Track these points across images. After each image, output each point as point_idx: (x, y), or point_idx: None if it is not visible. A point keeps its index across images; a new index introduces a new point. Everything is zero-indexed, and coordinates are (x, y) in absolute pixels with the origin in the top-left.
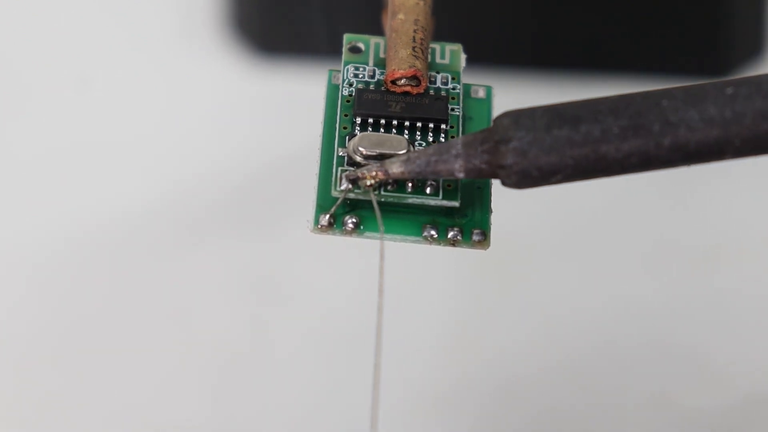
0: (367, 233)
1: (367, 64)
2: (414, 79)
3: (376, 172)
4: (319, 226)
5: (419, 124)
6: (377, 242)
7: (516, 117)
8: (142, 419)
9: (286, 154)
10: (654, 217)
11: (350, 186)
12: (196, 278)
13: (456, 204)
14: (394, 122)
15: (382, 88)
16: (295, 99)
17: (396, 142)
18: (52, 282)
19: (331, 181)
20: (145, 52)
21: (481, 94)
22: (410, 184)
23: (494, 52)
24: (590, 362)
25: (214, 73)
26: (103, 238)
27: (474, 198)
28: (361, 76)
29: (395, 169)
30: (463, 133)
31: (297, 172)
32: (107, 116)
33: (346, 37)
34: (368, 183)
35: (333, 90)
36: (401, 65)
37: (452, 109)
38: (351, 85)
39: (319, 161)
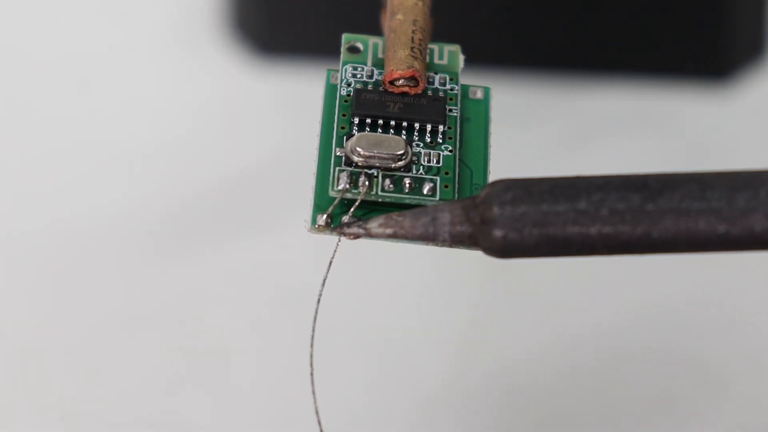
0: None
1: (366, 64)
2: (412, 79)
3: (357, 229)
4: (317, 226)
5: (417, 125)
6: (376, 242)
7: (504, 188)
8: (142, 419)
9: (286, 153)
10: None
11: (347, 186)
12: (195, 277)
13: None
14: (392, 123)
15: (380, 89)
16: (295, 99)
17: (393, 143)
18: (51, 282)
19: (328, 180)
20: (145, 52)
21: (479, 95)
22: (408, 185)
23: (493, 54)
24: (595, 366)
25: (214, 73)
26: (103, 237)
27: None
28: (359, 76)
29: (376, 229)
30: (461, 133)
31: (295, 172)
32: (107, 116)
33: (345, 37)
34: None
35: (331, 90)
36: (399, 66)
37: (450, 110)
38: (349, 85)
39: (316, 161)
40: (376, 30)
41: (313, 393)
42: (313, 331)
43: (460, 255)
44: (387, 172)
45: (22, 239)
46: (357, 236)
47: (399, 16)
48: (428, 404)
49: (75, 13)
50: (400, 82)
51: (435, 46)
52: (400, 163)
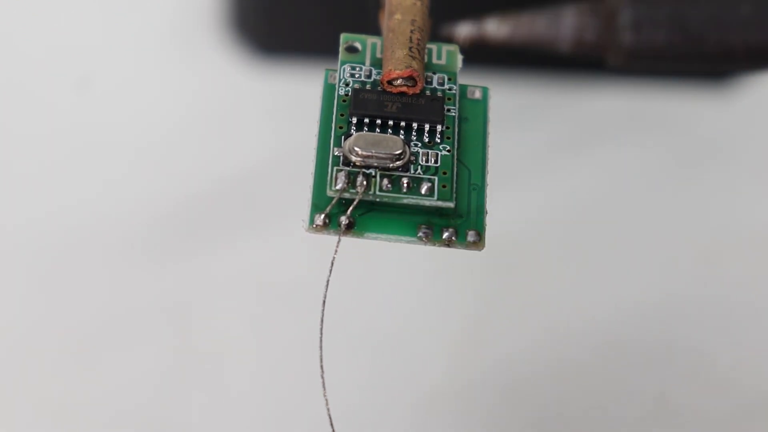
0: (367, 233)
1: (364, 64)
2: (410, 79)
3: (471, 27)
4: (314, 226)
5: (415, 125)
6: (374, 242)
7: None
8: (142, 419)
9: (284, 153)
10: (655, 217)
11: (345, 186)
12: (193, 277)
13: (451, 205)
14: (390, 122)
15: (379, 88)
16: (293, 99)
17: (392, 143)
18: (51, 282)
19: (326, 180)
20: (145, 51)
21: (478, 95)
22: (406, 184)
23: (491, 53)
24: (593, 362)
25: (212, 73)
26: (103, 237)
27: (469, 199)
28: (357, 75)
29: (493, 30)
30: (459, 133)
31: (293, 172)
32: (106, 115)
33: (343, 37)
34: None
35: (329, 89)
36: (398, 65)
37: (448, 110)
38: (347, 84)
39: (314, 161)
40: (374, 30)
41: (325, 396)
42: (321, 333)
43: (459, 255)
44: (385, 171)
45: (18, 238)
46: (471, 40)
47: (397, 16)
48: (426, 401)
49: (74, 13)
50: (398, 81)
51: (433, 46)
52: (398, 163)
